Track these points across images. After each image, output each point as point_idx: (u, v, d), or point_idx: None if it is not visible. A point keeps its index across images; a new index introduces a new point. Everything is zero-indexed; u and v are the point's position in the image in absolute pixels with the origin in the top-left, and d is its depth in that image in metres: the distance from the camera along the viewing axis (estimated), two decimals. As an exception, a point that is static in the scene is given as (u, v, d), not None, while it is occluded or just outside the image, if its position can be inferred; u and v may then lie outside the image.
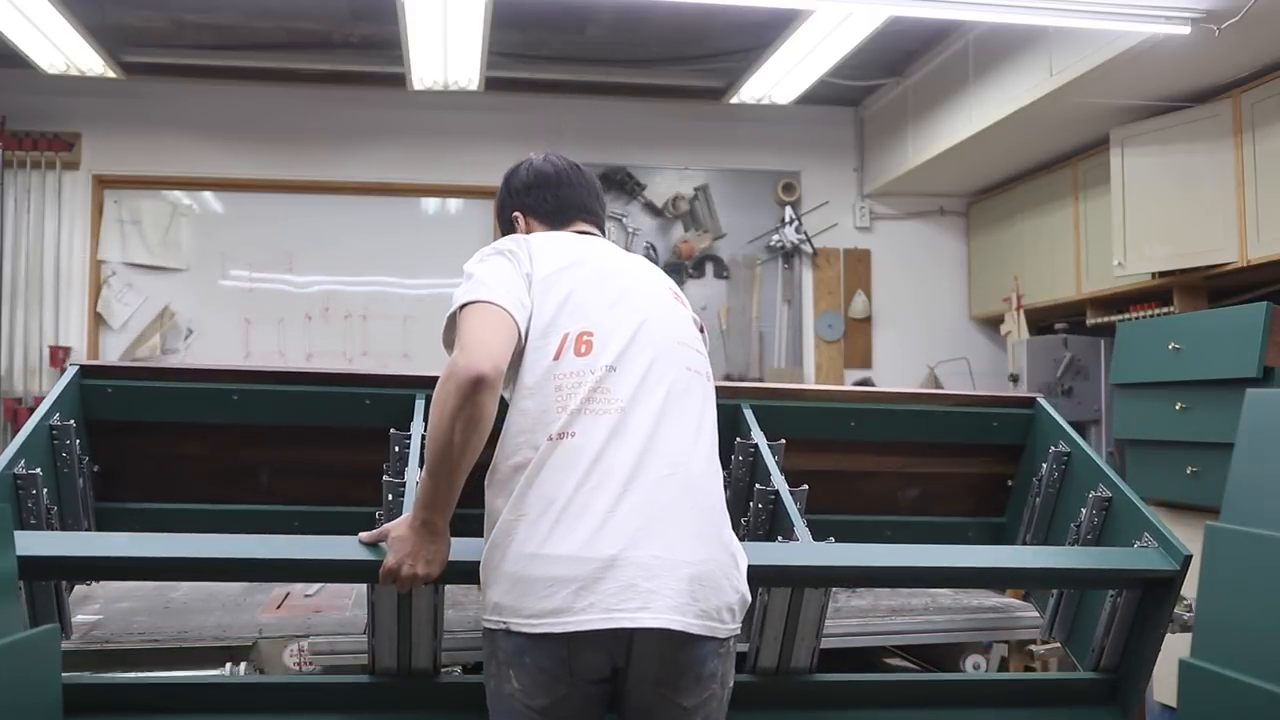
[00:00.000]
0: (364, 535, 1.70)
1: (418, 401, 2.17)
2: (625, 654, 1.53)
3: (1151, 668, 2.03)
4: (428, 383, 2.14)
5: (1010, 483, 2.54)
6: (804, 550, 1.90)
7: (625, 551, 1.51)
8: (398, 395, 2.22)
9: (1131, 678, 2.06)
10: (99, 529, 2.17)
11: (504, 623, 1.54)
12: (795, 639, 1.96)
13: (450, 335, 1.63)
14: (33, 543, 1.68)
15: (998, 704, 2.06)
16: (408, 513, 1.68)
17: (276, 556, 1.76)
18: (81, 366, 2.22)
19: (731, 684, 1.67)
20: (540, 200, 1.89)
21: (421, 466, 1.65)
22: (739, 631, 1.64)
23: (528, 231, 1.88)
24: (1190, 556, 1.98)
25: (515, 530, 1.56)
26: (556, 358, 1.62)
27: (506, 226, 1.93)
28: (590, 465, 1.55)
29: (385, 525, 1.70)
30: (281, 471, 2.27)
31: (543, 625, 1.50)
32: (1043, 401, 2.52)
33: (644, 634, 1.51)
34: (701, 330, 1.83)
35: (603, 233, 1.94)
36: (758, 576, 1.73)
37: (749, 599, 1.65)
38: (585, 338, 1.63)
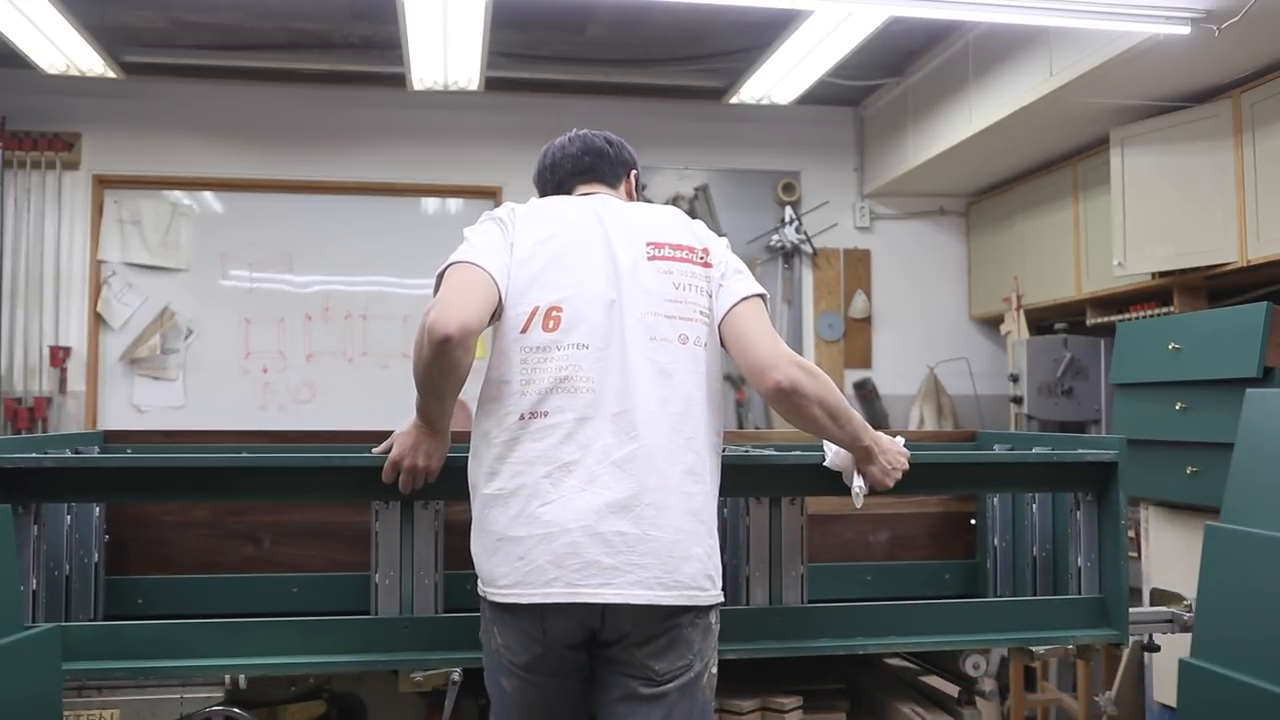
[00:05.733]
0: (376, 448, 1.86)
1: None
2: (599, 623, 1.61)
3: (1126, 577, 2.12)
4: None
5: (973, 521, 2.59)
6: (771, 454, 2.09)
7: (590, 529, 1.58)
8: None
9: (1113, 591, 2.12)
10: (108, 598, 2.20)
11: (484, 590, 1.65)
12: (783, 564, 2.03)
13: (447, 266, 1.70)
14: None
15: (993, 629, 2.10)
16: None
17: (285, 466, 1.94)
18: (105, 433, 2.40)
19: (714, 666, 1.70)
20: (544, 184, 1.97)
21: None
22: (718, 600, 1.68)
23: None
24: (1126, 440, 2.11)
25: (492, 506, 1.65)
26: (524, 330, 1.67)
27: None
28: (559, 444, 1.61)
29: (394, 435, 1.85)
30: (284, 534, 2.30)
31: (511, 596, 1.60)
32: (982, 431, 2.74)
33: (612, 608, 1.58)
34: (707, 265, 1.77)
35: (615, 184, 1.94)
36: (732, 485, 1.86)
37: (719, 569, 1.70)
38: (554, 313, 1.67)
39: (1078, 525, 2.18)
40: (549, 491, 1.60)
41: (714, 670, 1.70)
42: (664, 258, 1.74)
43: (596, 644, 1.64)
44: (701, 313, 1.74)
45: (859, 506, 1.89)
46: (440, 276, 1.69)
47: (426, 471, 1.81)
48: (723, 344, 1.78)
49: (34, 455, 1.86)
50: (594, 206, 1.81)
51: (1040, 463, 2.18)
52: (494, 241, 1.72)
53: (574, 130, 2.00)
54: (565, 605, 1.58)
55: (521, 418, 1.64)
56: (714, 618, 1.69)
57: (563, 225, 1.76)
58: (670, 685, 1.62)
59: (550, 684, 1.66)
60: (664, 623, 1.61)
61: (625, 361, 1.65)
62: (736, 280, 1.79)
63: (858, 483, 1.88)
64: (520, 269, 1.70)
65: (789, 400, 1.70)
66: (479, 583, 1.67)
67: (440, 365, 1.59)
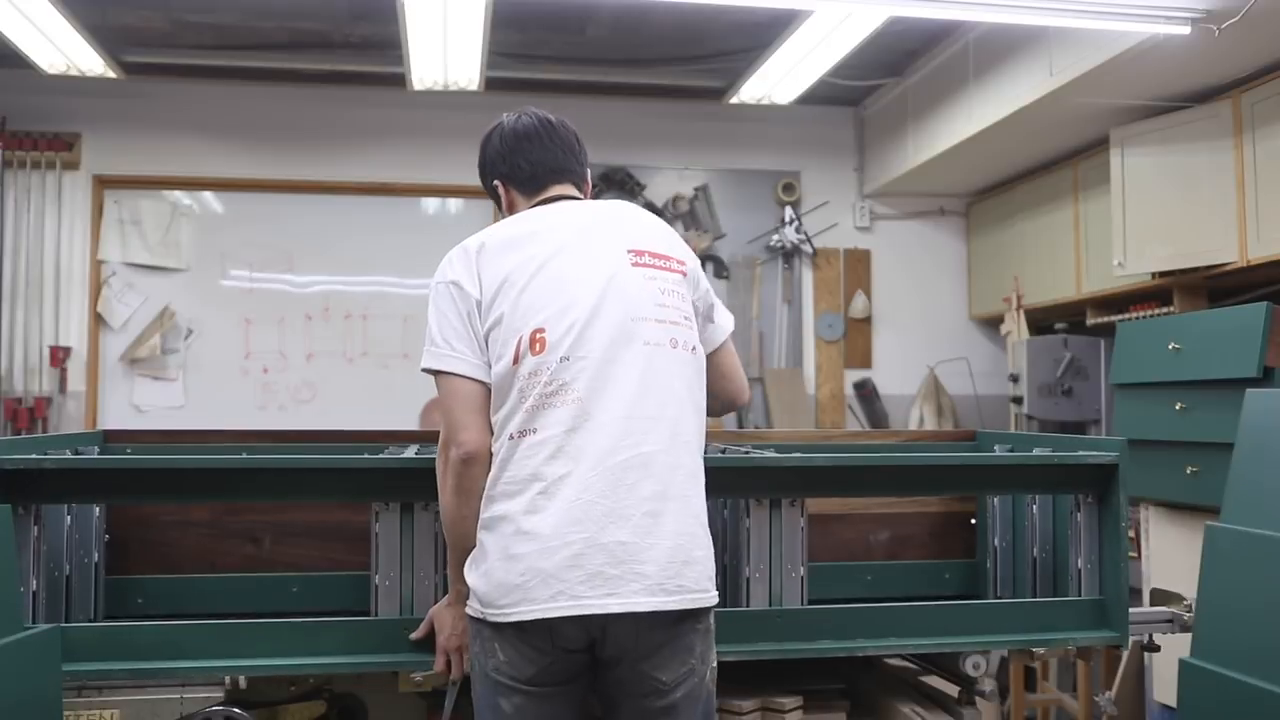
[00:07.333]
0: (414, 634, 1.87)
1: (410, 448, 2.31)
2: (600, 634, 1.59)
3: (1127, 579, 2.10)
4: (420, 437, 2.44)
5: (973, 520, 2.59)
6: (771, 455, 2.13)
7: (590, 540, 1.57)
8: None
9: (1114, 593, 2.11)
10: (108, 598, 2.20)
11: (483, 613, 1.62)
12: (783, 565, 2.03)
13: (429, 371, 1.76)
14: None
15: (993, 631, 2.10)
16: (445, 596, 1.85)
17: (286, 467, 1.95)
18: (105, 432, 2.38)
19: (715, 665, 1.71)
20: (515, 168, 1.87)
21: (417, 454, 2.00)
22: (716, 602, 1.68)
23: (508, 199, 1.90)
24: (1126, 441, 2.09)
25: (489, 528, 1.64)
26: (516, 361, 1.66)
27: (491, 191, 1.95)
28: (550, 458, 1.60)
29: (430, 611, 1.87)
30: (283, 533, 2.30)
31: (515, 614, 1.58)
32: (982, 430, 2.74)
33: (616, 618, 1.57)
34: (683, 273, 1.80)
35: (582, 187, 1.92)
36: (732, 485, 1.94)
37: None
38: (539, 335, 1.65)
39: (1078, 527, 2.17)
40: (545, 506, 1.58)
41: (714, 666, 1.71)
42: (645, 265, 1.74)
43: (602, 664, 1.63)
44: (686, 318, 1.75)
45: None
46: (432, 374, 1.75)
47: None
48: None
49: (34, 456, 1.86)
50: (569, 215, 1.79)
51: (1040, 465, 2.18)
52: (458, 326, 1.72)
53: (532, 111, 1.90)
54: (570, 619, 1.56)
55: (512, 437, 1.63)
56: (711, 619, 1.70)
57: (536, 244, 1.73)
58: (679, 694, 1.63)
59: (555, 694, 1.64)
60: (667, 630, 1.61)
61: (613, 370, 1.64)
62: (722, 314, 1.92)
63: None
64: (497, 305, 1.69)
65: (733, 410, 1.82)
66: (475, 603, 1.64)
67: (465, 487, 1.68)
